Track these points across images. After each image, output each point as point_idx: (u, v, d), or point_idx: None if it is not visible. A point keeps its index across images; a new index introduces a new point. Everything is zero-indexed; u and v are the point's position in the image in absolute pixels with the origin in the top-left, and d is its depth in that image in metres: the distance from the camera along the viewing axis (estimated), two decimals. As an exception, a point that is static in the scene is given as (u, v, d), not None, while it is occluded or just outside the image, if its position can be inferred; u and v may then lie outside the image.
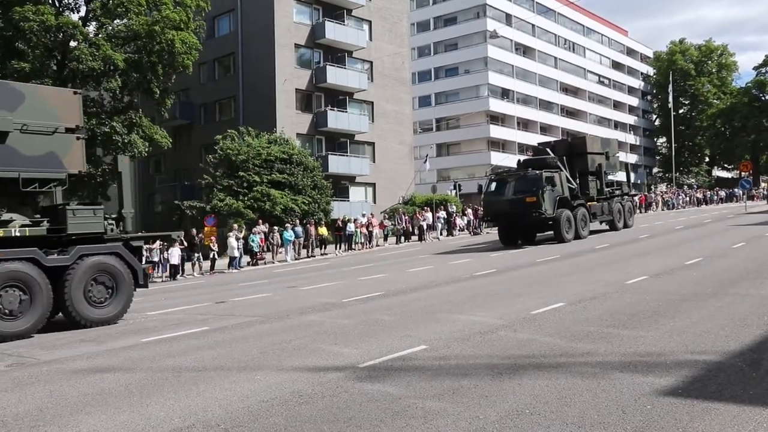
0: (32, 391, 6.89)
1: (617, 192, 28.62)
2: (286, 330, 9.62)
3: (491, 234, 29.87)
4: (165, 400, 6.14)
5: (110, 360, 8.33)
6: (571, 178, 24.70)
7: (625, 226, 27.93)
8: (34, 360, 8.74)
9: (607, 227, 27.73)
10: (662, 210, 49.41)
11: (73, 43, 31.83)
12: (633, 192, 32.89)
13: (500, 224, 25.18)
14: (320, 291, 14.97)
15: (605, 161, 27.05)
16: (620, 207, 27.74)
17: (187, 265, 24.92)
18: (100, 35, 33.07)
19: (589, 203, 25.41)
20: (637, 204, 49.73)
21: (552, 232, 23.96)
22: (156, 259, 24.29)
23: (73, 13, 34.25)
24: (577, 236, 23.97)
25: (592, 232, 25.95)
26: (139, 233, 15.34)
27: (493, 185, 24.63)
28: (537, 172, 23.34)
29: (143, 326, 11.22)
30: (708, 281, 11.59)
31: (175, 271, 23.92)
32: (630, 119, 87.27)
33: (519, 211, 22.97)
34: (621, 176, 34.16)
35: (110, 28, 33.83)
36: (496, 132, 66.11)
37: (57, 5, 32.97)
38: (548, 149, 25.81)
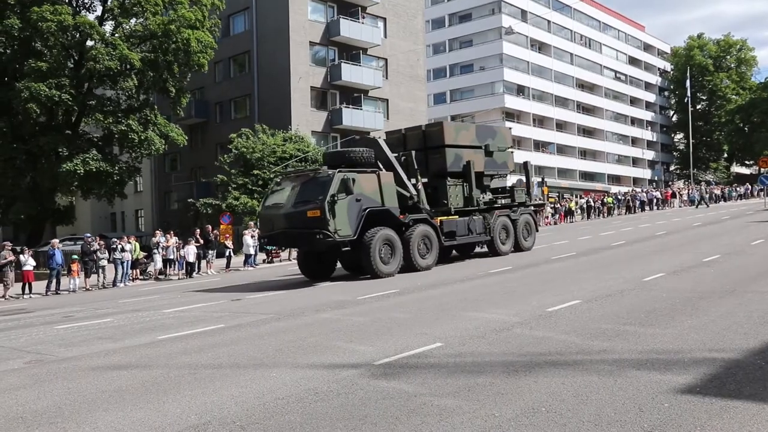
0: (50, 387, 6.97)
1: (502, 201, 20.63)
2: (302, 327, 9.64)
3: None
4: (181, 397, 6.17)
5: (127, 357, 8.39)
6: (408, 182, 17.73)
7: (518, 247, 20.09)
8: (52, 357, 8.82)
9: (487, 250, 20.27)
10: (680, 206, 48.86)
11: (89, 43, 32.17)
12: (537, 201, 23.76)
13: (298, 249, 18.35)
14: (335, 288, 15.00)
15: (483, 158, 19.65)
16: (506, 222, 19.87)
17: (202, 263, 25.06)
18: (116, 35, 33.42)
19: (440, 218, 18.09)
20: (661, 200, 48.86)
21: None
22: (172, 256, 24.53)
23: (90, 12, 34.63)
24: (411, 267, 16.70)
25: (477, 255, 20.37)
26: None
27: (276, 193, 17.02)
28: (330, 172, 16.02)
29: (159, 323, 11.30)
30: (726, 278, 11.47)
31: (191, 269, 24.06)
32: (647, 115, 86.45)
33: (299, 230, 15.86)
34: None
35: (126, 27, 34.18)
36: (512, 129, 65.71)
37: (74, 5, 33.31)
38: (381, 141, 18.69)
